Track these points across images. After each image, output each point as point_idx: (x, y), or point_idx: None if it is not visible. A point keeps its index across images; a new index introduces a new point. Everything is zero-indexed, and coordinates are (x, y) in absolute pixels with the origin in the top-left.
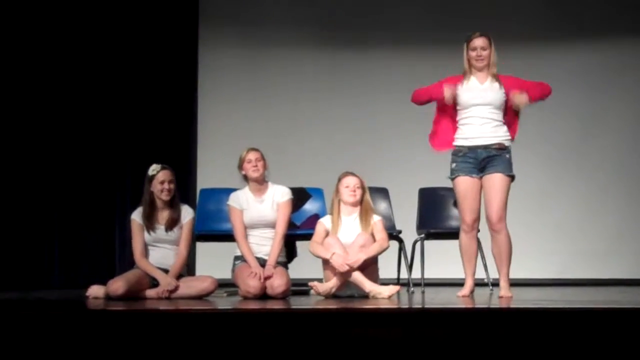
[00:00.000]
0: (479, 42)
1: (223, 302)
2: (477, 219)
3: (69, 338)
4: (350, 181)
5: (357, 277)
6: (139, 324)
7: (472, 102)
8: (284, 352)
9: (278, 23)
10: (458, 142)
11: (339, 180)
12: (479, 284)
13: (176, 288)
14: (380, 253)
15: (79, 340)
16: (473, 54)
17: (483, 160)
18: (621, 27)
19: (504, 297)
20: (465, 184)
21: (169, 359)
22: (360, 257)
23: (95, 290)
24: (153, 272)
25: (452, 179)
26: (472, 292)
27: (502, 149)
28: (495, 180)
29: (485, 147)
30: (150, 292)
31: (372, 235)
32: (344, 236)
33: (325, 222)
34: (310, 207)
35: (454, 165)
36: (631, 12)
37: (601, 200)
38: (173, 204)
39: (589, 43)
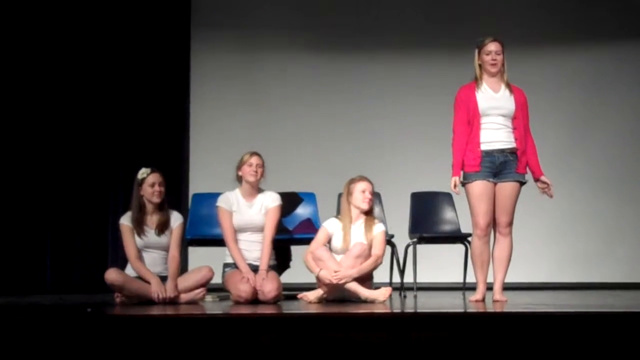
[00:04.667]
0: (493, 46)
1: (214, 307)
2: (491, 224)
3: (62, 343)
4: (367, 186)
5: (352, 286)
6: (131, 329)
7: (487, 112)
8: (276, 357)
9: (270, 27)
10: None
11: (353, 183)
12: (472, 288)
13: (176, 296)
14: (373, 270)
15: (71, 345)
16: (487, 58)
17: (500, 164)
18: (614, 31)
19: (499, 301)
20: (480, 188)
21: None
22: (351, 275)
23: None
24: (147, 275)
25: (467, 184)
26: (484, 297)
27: (515, 152)
28: (509, 188)
29: (502, 151)
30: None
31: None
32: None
33: (329, 227)
34: (302, 211)
35: (470, 174)
36: (624, 15)
37: (593, 204)
38: (162, 208)
39: (581, 47)
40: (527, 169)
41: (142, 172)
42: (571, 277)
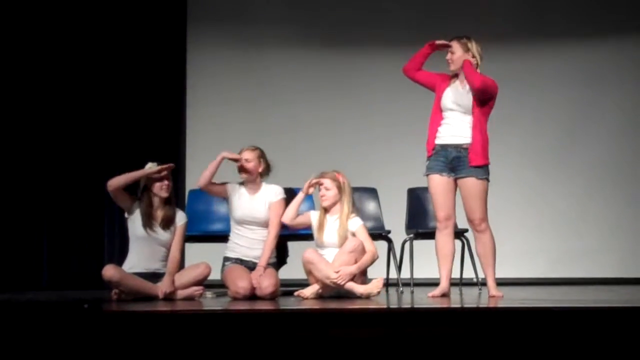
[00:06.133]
0: (452, 44)
1: (212, 303)
2: (450, 217)
3: (59, 339)
4: (323, 183)
5: (347, 285)
6: (128, 325)
7: (448, 105)
8: (273, 353)
9: (267, 23)
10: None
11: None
12: (469, 283)
13: (173, 292)
14: (371, 264)
15: (69, 341)
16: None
17: (453, 159)
18: (607, 27)
19: (495, 296)
20: (435, 182)
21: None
22: (352, 272)
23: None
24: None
25: (427, 176)
26: (444, 294)
27: (467, 148)
28: (469, 184)
29: (456, 147)
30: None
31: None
32: (326, 236)
33: (312, 216)
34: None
35: (427, 162)
36: (617, 11)
37: (589, 199)
38: (169, 203)
39: (576, 43)
40: (484, 158)
41: (149, 166)
42: (567, 273)
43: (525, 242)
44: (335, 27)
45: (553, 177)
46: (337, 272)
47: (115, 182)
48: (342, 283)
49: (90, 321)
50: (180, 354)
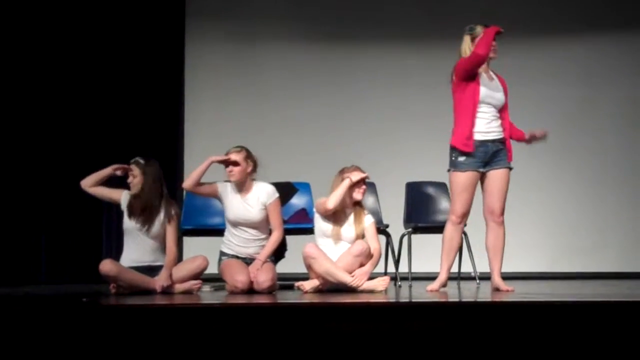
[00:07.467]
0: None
1: (210, 297)
2: (467, 214)
3: (58, 332)
4: (362, 177)
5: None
6: (126, 319)
7: (486, 100)
8: (271, 347)
9: (265, 18)
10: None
11: (347, 172)
12: (466, 277)
13: (170, 286)
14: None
15: (67, 335)
16: None
17: (493, 153)
18: (609, 22)
19: (508, 290)
20: (469, 178)
21: (156, 354)
22: (367, 273)
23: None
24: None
25: (457, 171)
26: (442, 286)
27: (503, 142)
28: (502, 175)
29: (494, 141)
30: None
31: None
32: (344, 231)
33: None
34: (297, 201)
35: (462, 158)
36: (619, 7)
37: (589, 195)
38: (150, 197)
39: (577, 38)
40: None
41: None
42: (566, 267)
43: (526, 237)
44: (335, 22)
45: (553, 173)
46: (353, 276)
47: (84, 182)
48: (361, 284)
49: (88, 315)
50: (178, 348)
